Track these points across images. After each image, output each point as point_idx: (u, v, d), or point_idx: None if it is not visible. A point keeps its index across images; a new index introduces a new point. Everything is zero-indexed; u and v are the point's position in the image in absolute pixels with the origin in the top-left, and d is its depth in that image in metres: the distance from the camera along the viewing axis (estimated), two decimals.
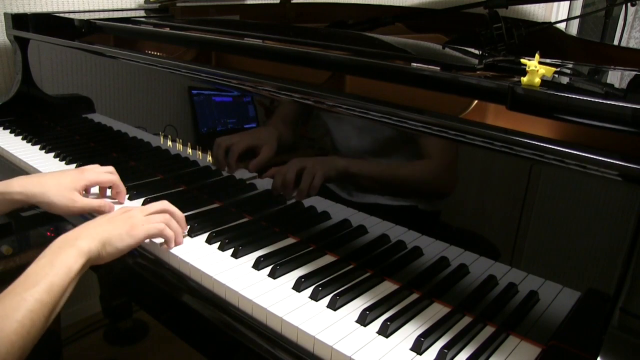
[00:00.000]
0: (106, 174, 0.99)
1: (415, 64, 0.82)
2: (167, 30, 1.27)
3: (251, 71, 0.97)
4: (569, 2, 2.78)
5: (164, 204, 0.88)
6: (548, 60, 0.80)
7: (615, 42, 2.23)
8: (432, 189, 0.77)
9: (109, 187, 1.01)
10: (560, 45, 1.46)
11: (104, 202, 0.95)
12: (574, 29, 2.72)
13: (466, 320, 0.71)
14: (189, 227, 0.90)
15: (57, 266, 0.71)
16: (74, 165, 1.19)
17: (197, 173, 1.07)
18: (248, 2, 1.97)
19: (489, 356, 0.65)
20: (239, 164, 0.97)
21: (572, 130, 0.68)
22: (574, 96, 0.64)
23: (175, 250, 0.84)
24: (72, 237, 0.77)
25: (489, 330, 0.69)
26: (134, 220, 0.83)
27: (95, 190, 1.02)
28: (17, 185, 0.91)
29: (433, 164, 0.75)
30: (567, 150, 0.60)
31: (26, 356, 0.65)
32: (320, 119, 0.85)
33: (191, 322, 0.81)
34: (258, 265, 0.81)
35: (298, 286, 0.76)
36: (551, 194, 0.64)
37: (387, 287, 0.78)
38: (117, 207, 0.98)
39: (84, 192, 0.96)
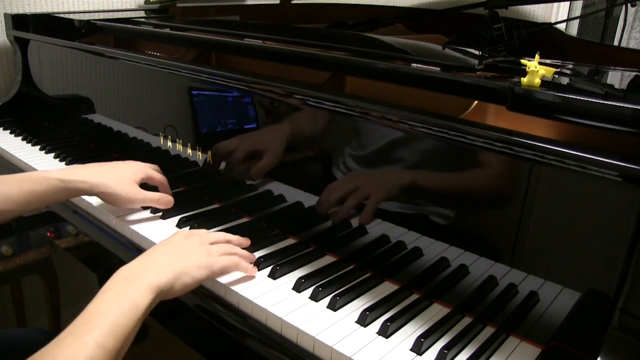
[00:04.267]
0: (157, 172, 0.99)
1: (415, 65, 0.82)
2: (167, 30, 1.27)
3: (251, 72, 0.97)
4: (569, 2, 2.77)
5: (225, 235, 0.82)
6: (548, 61, 0.80)
7: (615, 43, 2.22)
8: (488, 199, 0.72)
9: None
10: (560, 46, 1.46)
11: (164, 196, 0.94)
12: (574, 29, 2.72)
13: (466, 320, 0.71)
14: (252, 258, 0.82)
15: (122, 303, 0.62)
16: (74, 165, 1.19)
17: (197, 173, 1.07)
18: (248, 3, 1.97)
19: (489, 356, 0.65)
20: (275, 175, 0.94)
21: (572, 130, 0.68)
22: (574, 97, 0.64)
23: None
24: (139, 269, 0.68)
25: (489, 331, 0.69)
26: (208, 247, 0.76)
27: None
28: (80, 174, 0.89)
29: (487, 173, 0.70)
30: (567, 150, 0.60)
31: None
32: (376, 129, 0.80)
33: (191, 323, 0.82)
34: (258, 266, 0.81)
35: (298, 287, 0.76)
36: (551, 195, 0.64)
37: (387, 288, 0.78)
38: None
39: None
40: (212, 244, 0.78)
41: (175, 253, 0.72)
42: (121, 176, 0.91)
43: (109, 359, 0.58)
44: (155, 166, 1.00)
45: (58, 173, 0.89)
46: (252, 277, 0.78)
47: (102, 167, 0.93)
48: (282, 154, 0.92)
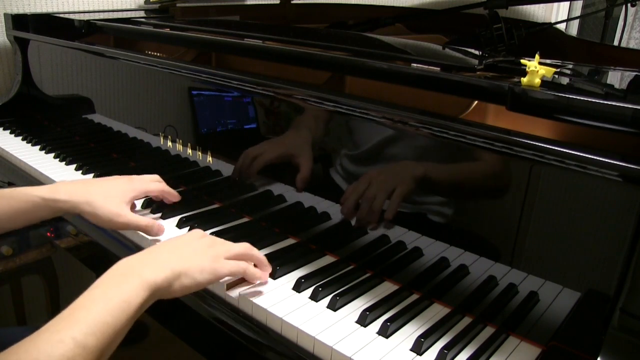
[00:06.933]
0: (155, 182, 0.93)
1: (415, 65, 0.82)
2: (167, 30, 1.27)
3: (251, 72, 0.97)
4: (569, 2, 2.78)
5: (249, 247, 0.77)
6: (548, 61, 0.80)
7: (615, 43, 2.23)
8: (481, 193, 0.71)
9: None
10: (560, 46, 1.46)
11: (153, 223, 0.86)
12: (574, 29, 2.72)
13: (466, 320, 0.71)
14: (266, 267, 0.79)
15: (112, 300, 0.58)
16: (74, 165, 1.19)
17: (197, 174, 1.07)
18: (248, 3, 1.97)
19: (489, 356, 0.65)
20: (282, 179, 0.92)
21: (572, 130, 0.68)
22: (574, 97, 0.64)
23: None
24: (136, 264, 0.64)
25: (489, 331, 0.69)
26: (217, 251, 0.71)
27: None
28: (64, 193, 0.84)
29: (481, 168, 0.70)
30: (567, 150, 0.60)
31: None
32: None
33: (191, 323, 0.82)
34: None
35: (298, 287, 0.76)
36: (551, 195, 0.64)
37: (387, 288, 0.78)
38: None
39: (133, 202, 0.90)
40: (230, 257, 0.73)
41: (180, 251, 0.69)
42: (108, 194, 0.85)
43: (90, 359, 0.53)
44: (154, 176, 0.95)
45: (42, 191, 0.84)
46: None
47: (89, 185, 0.88)
48: (313, 158, 0.88)
